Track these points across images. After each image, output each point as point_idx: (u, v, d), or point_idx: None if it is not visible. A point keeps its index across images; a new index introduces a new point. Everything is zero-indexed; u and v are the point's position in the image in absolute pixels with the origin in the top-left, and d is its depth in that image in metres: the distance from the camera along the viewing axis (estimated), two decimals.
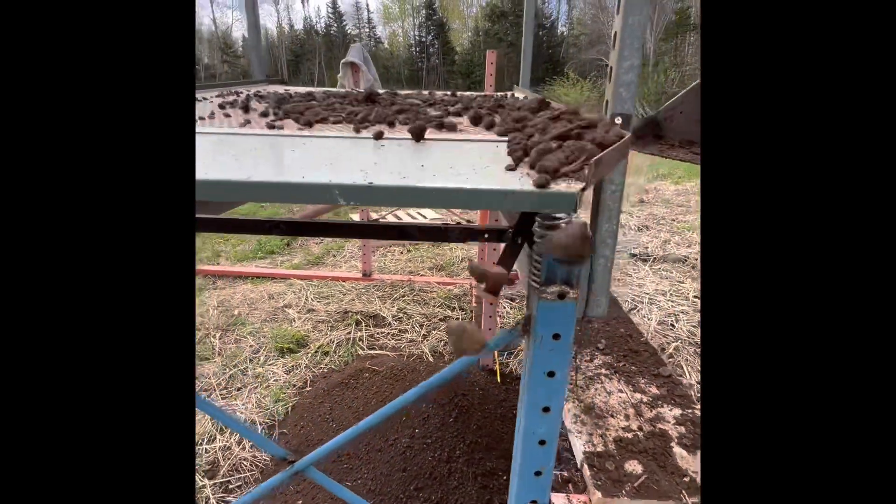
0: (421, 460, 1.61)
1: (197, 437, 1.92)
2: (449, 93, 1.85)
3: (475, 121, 0.84)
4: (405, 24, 42.11)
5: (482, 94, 2.07)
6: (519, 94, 1.77)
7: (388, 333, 2.81)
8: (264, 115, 0.95)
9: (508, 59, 33.49)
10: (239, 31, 41.48)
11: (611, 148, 0.50)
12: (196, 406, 0.99)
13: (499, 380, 2.29)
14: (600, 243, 0.73)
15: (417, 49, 40.61)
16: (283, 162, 0.59)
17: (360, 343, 2.67)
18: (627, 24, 0.63)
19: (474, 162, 0.60)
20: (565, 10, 36.81)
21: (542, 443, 0.81)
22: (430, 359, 2.53)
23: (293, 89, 1.85)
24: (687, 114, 2.33)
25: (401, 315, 3.05)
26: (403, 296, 3.34)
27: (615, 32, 0.65)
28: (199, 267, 3.81)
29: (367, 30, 43.49)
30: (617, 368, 1.30)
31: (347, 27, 42.58)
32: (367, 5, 43.82)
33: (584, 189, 0.46)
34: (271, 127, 0.82)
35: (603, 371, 1.29)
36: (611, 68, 0.67)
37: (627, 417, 1.09)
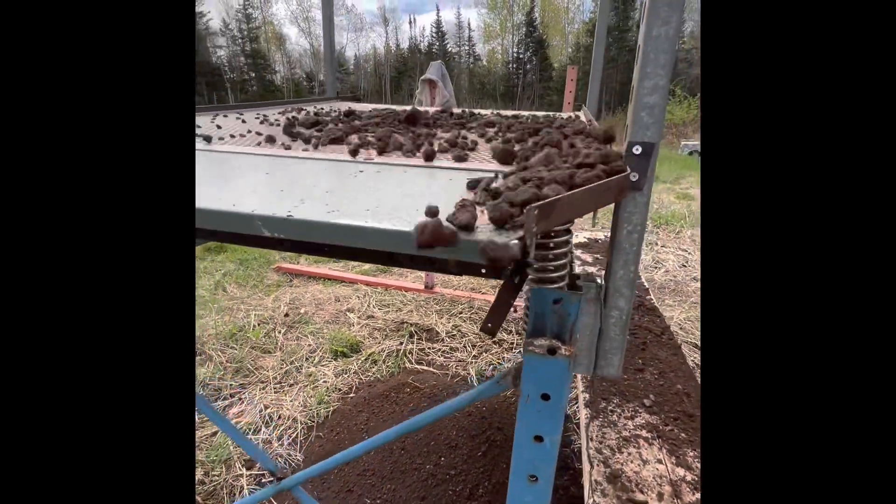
0: (441, 492, 1.53)
1: (244, 428, 2.04)
2: (521, 113, 1.78)
3: (497, 153, 0.77)
4: (504, 41, 42.63)
5: (549, 113, 1.96)
6: (584, 117, 1.65)
7: (439, 350, 2.77)
8: (291, 133, 0.98)
9: (608, 74, 32.13)
10: (352, 51, 45.28)
11: (580, 189, 0.40)
12: (197, 408, 1.03)
13: None
14: (614, 293, 0.62)
15: (514, 65, 40.82)
16: (245, 185, 0.58)
17: (410, 356, 2.66)
18: (651, 37, 0.53)
19: (440, 195, 0.54)
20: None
21: None
22: (475, 383, 2.44)
23: (357, 106, 1.92)
24: None
25: (454, 332, 3.00)
26: (461, 312, 3.29)
27: (638, 45, 0.55)
28: (279, 264, 4.14)
29: (466, 47, 44.81)
30: (661, 433, 1.11)
31: (448, 45, 44.29)
32: (469, 23, 45.11)
33: (522, 240, 0.37)
34: (287, 147, 0.84)
35: (643, 433, 1.11)
36: (632, 87, 0.57)
37: (661, 497, 0.92)
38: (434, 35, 43.96)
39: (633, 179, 0.58)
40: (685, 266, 4.40)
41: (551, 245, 0.58)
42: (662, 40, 0.53)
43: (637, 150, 0.56)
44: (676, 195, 8.22)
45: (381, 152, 0.85)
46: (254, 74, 39.33)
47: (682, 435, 1.11)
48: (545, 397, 0.62)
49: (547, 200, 0.39)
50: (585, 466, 1.00)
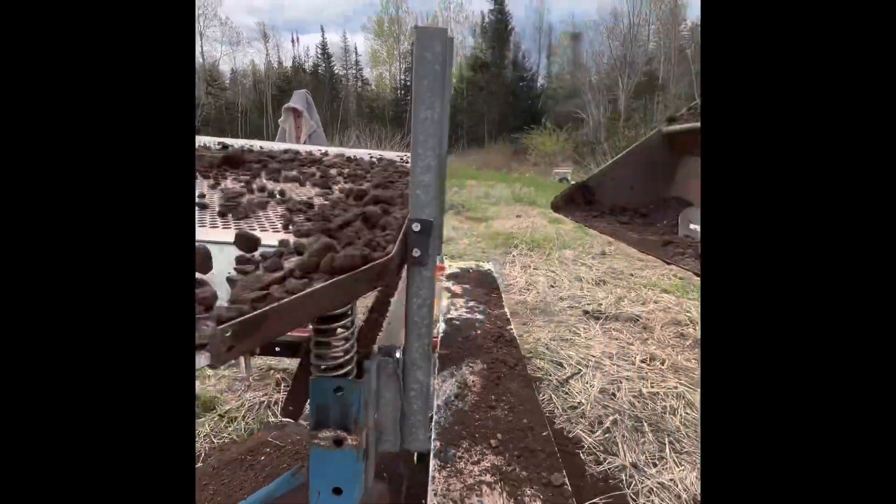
0: None
1: None
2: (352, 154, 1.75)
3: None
4: (392, 67, 43.70)
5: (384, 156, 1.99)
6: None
7: None
8: None
9: (489, 106, 34.82)
10: (227, 65, 42.16)
11: (293, 297, 0.37)
12: None
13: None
14: (411, 366, 0.60)
15: (402, 91, 41.94)
16: None
17: (275, 407, 2.43)
18: (420, 120, 0.53)
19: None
20: (545, 65, 38.85)
21: None
22: None
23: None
24: (619, 179, 2.31)
25: None
26: None
27: (410, 128, 0.55)
28: None
29: (353, 70, 44.86)
30: (504, 474, 1.14)
31: (335, 67, 43.88)
32: (356, 48, 45.35)
33: (212, 363, 0.33)
34: None
35: (487, 477, 1.13)
36: (411, 166, 0.56)
37: None
38: (319, 56, 43.24)
39: (416, 255, 0.57)
40: (553, 286, 4.82)
41: (329, 333, 0.54)
42: (429, 123, 0.54)
43: (416, 227, 0.56)
44: (549, 219, 9.08)
45: None
46: None
47: (523, 473, 1.15)
48: (337, 491, 0.57)
49: (246, 317, 0.35)
50: None
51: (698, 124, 1.91)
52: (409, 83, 41.50)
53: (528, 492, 1.09)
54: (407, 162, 1.53)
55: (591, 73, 28.30)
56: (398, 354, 0.62)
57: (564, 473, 1.16)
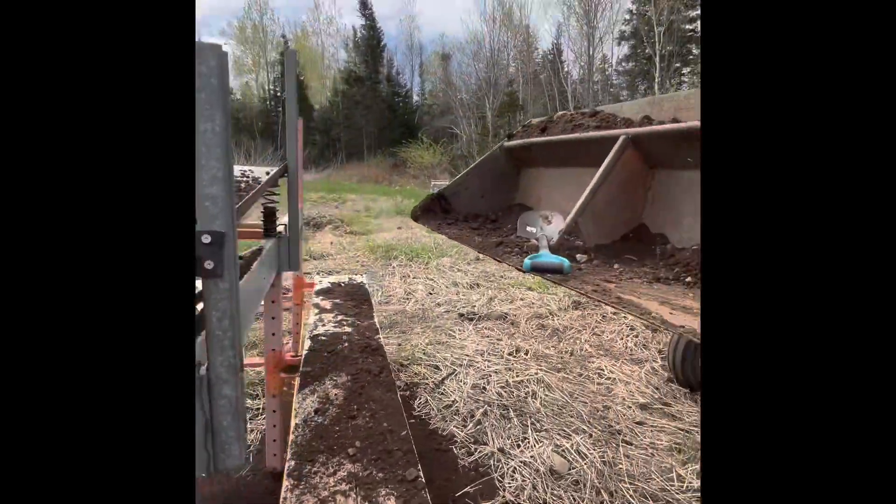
0: None
1: None
2: None
3: None
4: (259, 76, 41.01)
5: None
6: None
7: None
8: None
9: (366, 120, 34.77)
10: None
11: None
12: None
13: None
14: (217, 382, 0.59)
15: (272, 103, 39.60)
16: None
17: None
18: (200, 132, 0.53)
19: None
20: (419, 83, 40.29)
21: None
22: None
23: None
24: (472, 189, 2.52)
25: None
26: None
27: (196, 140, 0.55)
28: None
29: None
30: (360, 480, 1.16)
31: None
32: None
33: None
34: None
35: (343, 486, 1.13)
36: (197, 178, 0.56)
37: None
38: None
39: (209, 267, 0.57)
40: (432, 293, 4.99)
41: None
42: (210, 135, 0.55)
43: (206, 238, 0.56)
44: (426, 230, 9.39)
45: None
46: None
47: (379, 475, 1.18)
48: None
49: None
50: None
51: (534, 139, 2.20)
52: (279, 93, 39.27)
53: (383, 492, 1.12)
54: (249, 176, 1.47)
55: (461, 91, 30.17)
56: (202, 371, 0.60)
57: (419, 468, 1.22)
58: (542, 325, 4.02)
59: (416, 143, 25.83)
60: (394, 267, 6.09)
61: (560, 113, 2.21)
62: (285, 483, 1.13)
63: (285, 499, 1.08)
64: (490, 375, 2.99)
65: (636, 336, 3.74)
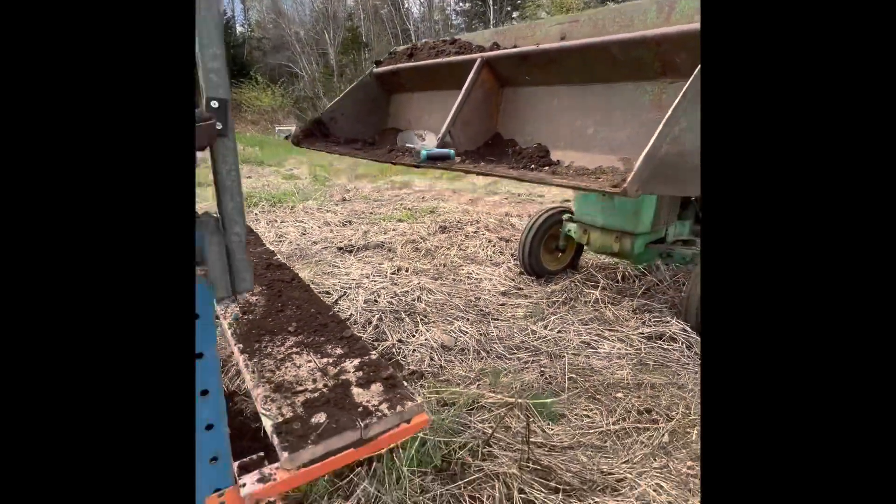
0: None
1: None
2: None
3: None
4: None
5: None
6: None
7: None
8: None
9: None
10: None
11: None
12: None
13: None
14: (229, 221, 0.77)
15: None
16: None
17: None
18: (202, 18, 0.69)
19: None
20: (241, 10, 34.80)
21: (208, 427, 0.81)
22: None
23: None
24: (347, 114, 2.67)
25: None
26: None
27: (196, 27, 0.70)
28: None
29: None
30: (307, 344, 1.41)
31: None
32: None
33: None
34: None
35: (294, 350, 1.37)
36: (197, 57, 0.71)
37: (315, 381, 1.21)
38: None
39: (219, 128, 0.74)
40: (304, 234, 5.00)
41: None
42: (209, 20, 0.70)
43: (214, 104, 0.73)
44: (283, 176, 8.88)
45: None
46: None
47: (322, 338, 1.44)
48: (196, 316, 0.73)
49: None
50: (254, 393, 1.16)
51: (402, 65, 2.43)
52: None
53: (329, 347, 1.39)
54: None
55: (295, 23, 27.22)
56: (214, 213, 0.79)
57: (353, 329, 1.52)
58: (416, 248, 4.47)
59: (250, 84, 22.94)
60: (256, 213, 5.79)
61: (423, 41, 2.48)
62: (241, 358, 1.32)
63: (246, 365, 1.27)
64: (379, 292, 3.33)
65: (493, 247, 4.47)
